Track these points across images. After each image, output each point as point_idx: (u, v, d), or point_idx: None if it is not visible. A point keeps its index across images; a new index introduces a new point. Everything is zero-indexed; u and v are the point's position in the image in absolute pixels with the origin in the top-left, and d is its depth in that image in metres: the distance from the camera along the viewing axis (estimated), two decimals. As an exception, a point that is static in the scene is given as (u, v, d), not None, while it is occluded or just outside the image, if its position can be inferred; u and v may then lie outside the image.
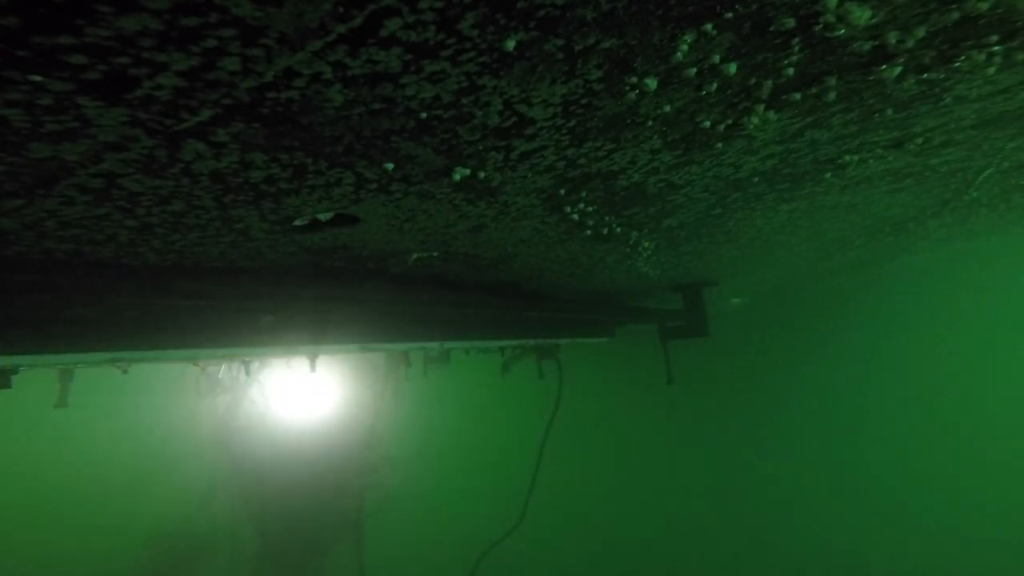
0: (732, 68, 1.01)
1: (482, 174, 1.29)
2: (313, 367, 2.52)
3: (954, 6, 0.93)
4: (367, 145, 1.06)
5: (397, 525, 6.07)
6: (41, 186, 1.01)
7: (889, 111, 1.33)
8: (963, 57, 1.11)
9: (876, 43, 1.01)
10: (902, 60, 1.09)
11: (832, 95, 1.19)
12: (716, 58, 0.97)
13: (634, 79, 1.00)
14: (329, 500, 5.61)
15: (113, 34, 0.65)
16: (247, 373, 2.59)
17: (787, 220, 2.31)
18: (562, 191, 1.52)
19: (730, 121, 1.24)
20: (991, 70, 1.19)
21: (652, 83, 1.02)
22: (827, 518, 6.70)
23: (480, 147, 1.15)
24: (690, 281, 3.78)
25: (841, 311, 6.41)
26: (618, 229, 2.03)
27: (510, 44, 0.82)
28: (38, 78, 0.70)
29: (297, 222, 1.42)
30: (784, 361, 6.80)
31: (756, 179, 1.70)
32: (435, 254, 1.98)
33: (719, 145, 1.37)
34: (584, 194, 1.58)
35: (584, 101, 1.04)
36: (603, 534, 8.12)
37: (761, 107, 1.19)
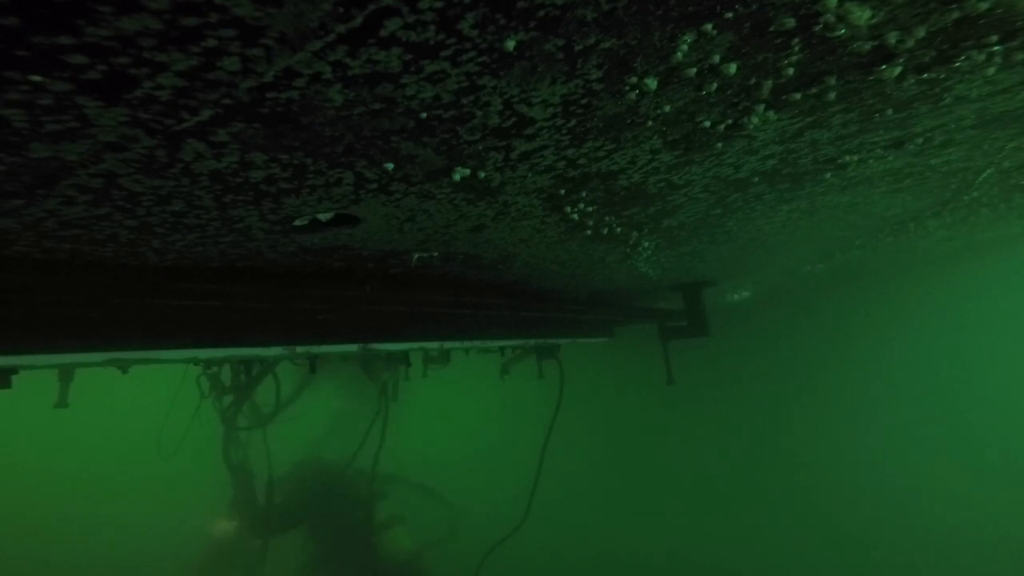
0: (732, 68, 1.01)
1: (482, 174, 1.29)
2: (313, 368, 2.52)
3: (954, 6, 0.93)
4: (367, 145, 1.06)
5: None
6: (41, 186, 1.01)
7: (889, 111, 1.33)
8: (963, 57, 1.11)
9: (876, 43, 1.01)
10: (902, 60, 1.09)
11: (832, 95, 1.19)
12: (716, 58, 0.97)
13: (634, 79, 1.00)
14: (338, 503, 5.63)
15: (113, 34, 0.65)
16: (248, 374, 2.58)
17: (787, 220, 2.31)
18: (562, 191, 1.52)
19: (730, 121, 1.24)
20: (991, 70, 1.19)
21: (652, 83, 1.02)
22: (828, 517, 6.70)
23: (480, 147, 1.15)
24: (690, 281, 3.78)
25: (842, 311, 6.41)
26: (618, 229, 2.03)
27: (510, 44, 0.82)
28: (38, 78, 0.70)
29: (297, 222, 1.42)
30: (785, 361, 6.80)
31: (756, 179, 1.70)
32: (435, 254, 1.98)
33: (719, 145, 1.37)
34: (584, 194, 1.58)
35: (584, 101, 1.04)
36: (606, 533, 8.12)
37: (761, 107, 1.19)
